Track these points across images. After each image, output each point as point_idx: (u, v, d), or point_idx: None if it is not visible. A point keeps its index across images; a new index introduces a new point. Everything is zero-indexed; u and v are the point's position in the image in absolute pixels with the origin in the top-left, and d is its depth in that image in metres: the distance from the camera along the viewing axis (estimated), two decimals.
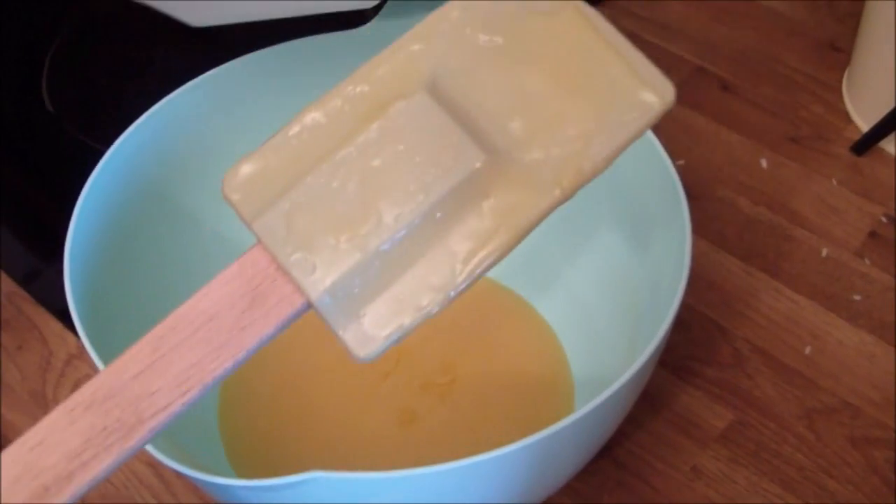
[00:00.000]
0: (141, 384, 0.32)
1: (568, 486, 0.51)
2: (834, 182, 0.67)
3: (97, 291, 0.47)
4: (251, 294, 0.33)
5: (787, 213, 0.66)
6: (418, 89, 0.34)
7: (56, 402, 0.57)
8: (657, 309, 0.45)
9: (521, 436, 0.38)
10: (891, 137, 0.68)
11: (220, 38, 0.50)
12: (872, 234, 0.64)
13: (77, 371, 0.59)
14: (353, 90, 0.34)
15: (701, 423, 0.55)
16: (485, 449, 0.38)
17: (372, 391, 0.55)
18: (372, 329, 0.33)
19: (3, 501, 0.30)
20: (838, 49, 0.77)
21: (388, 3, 0.56)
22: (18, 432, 0.55)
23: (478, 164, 0.33)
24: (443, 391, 0.55)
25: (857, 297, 0.61)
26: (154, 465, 0.54)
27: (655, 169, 0.49)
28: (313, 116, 0.34)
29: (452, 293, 0.33)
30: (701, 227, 0.64)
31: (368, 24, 0.56)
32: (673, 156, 0.49)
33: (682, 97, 0.77)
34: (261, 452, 0.53)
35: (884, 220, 0.65)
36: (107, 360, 0.41)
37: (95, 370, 0.42)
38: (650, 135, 0.49)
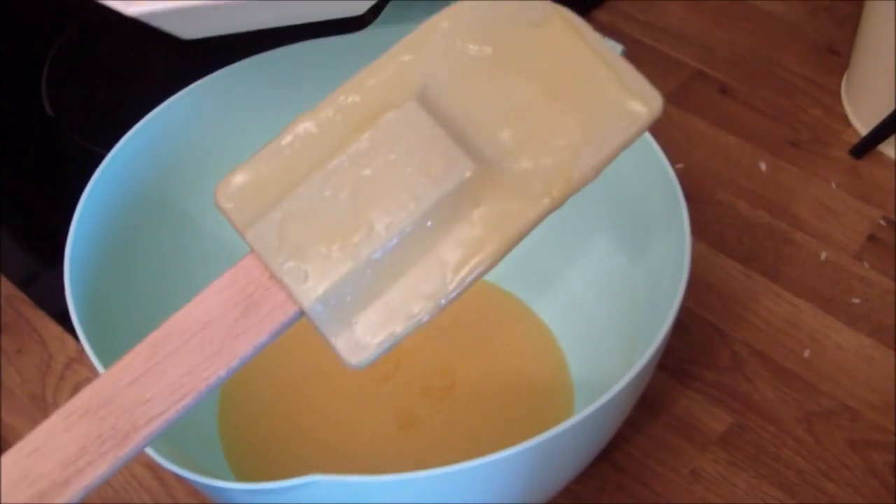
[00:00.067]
0: (136, 392, 0.32)
1: (567, 489, 0.51)
2: (833, 185, 0.68)
3: (97, 295, 0.47)
4: (244, 302, 0.33)
5: (786, 217, 0.66)
6: (409, 99, 0.34)
7: (56, 405, 0.57)
8: (656, 312, 0.45)
9: (521, 439, 0.38)
10: (890, 141, 0.68)
11: (219, 42, 0.50)
12: (871, 238, 0.64)
13: (77, 374, 0.59)
14: (344, 100, 0.35)
15: (700, 426, 0.55)
16: (484, 452, 0.38)
17: (371, 394, 0.55)
18: (364, 337, 0.33)
19: None
20: (837, 52, 0.77)
21: (388, 7, 0.56)
22: (18, 435, 0.55)
23: (468, 174, 0.34)
24: (442, 394, 0.55)
25: (856, 301, 0.61)
26: (153, 467, 0.54)
27: (655, 172, 0.49)
28: (305, 126, 0.35)
29: (443, 301, 0.34)
30: (700, 230, 0.64)
31: (368, 28, 0.56)
32: (672, 159, 0.49)
33: (681, 101, 0.78)
34: (260, 455, 0.53)
35: (883, 223, 0.65)
36: (106, 363, 0.41)
37: (95, 373, 0.42)
38: (649, 138, 0.49)
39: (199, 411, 0.53)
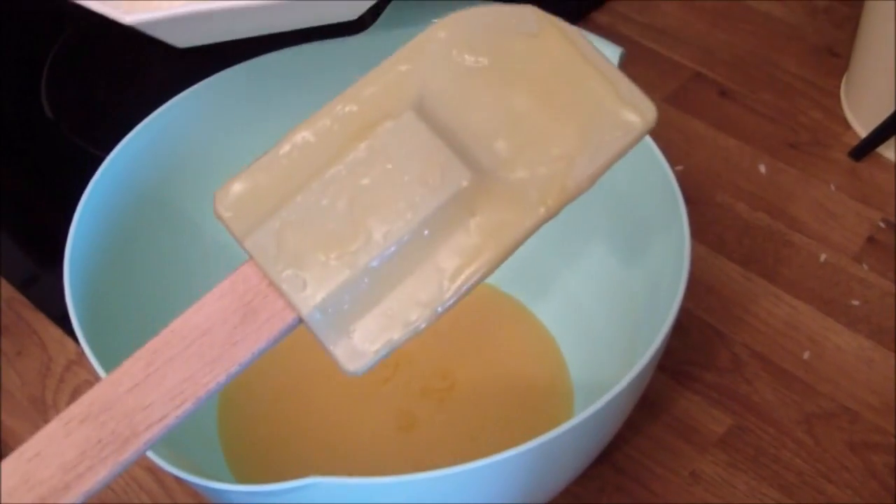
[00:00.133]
0: (135, 397, 0.32)
1: (567, 491, 0.51)
2: (832, 187, 0.68)
3: (97, 297, 0.47)
4: (243, 310, 0.33)
5: (785, 219, 0.66)
6: (406, 109, 0.35)
7: (55, 407, 0.57)
8: (656, 313, 0.45)
9: (521, 441, 0.38)
10: (889, 143, 0.68)
11: (219, 44, 0.50)
12: (871, 240, 0.64)
13: (76, 377, 0.59)
14: (341, 110, 0.35)
15: (700, 427, 0.55)
16: (484, 454, 0.38)
17: (371, 396, 0.55)
18: (361, 344, 0.33)
19: None
20: (836, 54, 0.77)
21: (388, 8, 0.56)
22: (18, 438, 0.55)
23: (464, 183, 0.34)
24: (442, 396, 0.55)
25: (855, 303, 0.61)
26: (154, 470, 0.54)
27: (654, 174, 0.49)
28: (303, 136, 0.35)
29: (440, 309, 0.34)
30: (700, 232, 0.64)
31: (368, 30, 0.56)
32: (672, 161, 0.49)
33: (680, 102, 0.78)
34: (260, 457, 0.53)
35: (882, 225, 0.65)
36: (106, 365, 0.41)
37: (95, 376, 0.42)
38: (649, 140, 0.49)
39: (198, 413, 0.53)
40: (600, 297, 0.55)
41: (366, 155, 0.34)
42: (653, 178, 0.49)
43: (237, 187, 0.34)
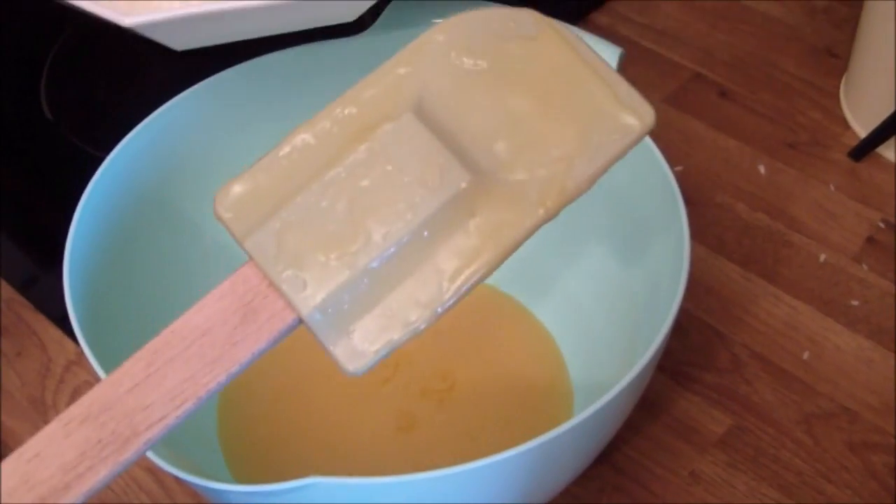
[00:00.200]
0: (135, 398, 0.32)
1: (567, 491, 0.51)
2: (832, 188, 0.68)
3: (96, 298, 0.47)
4: (243, 310, 0.33)
5: (785, 219, 0.66)
6: (405, 111, 0.35)
7: (55, 408, 0.57)
8: (656, 314, 0.45)
9: (520, 441, 0.38)
10: (889, 143, 0.68)
11: (218, 45, 0.50)
12: (870, 240, 0.64)
13: (76, 377, 0.59)
14: (341, 112, 0.35)
15: (700, 428, 0.55)
16: (484, 454, 0.38)
17: (371, 396, 0.55)
18: (361, 344, 0.34)
19: None
20: (836, 55, 0.77)
21: (388, 9, 0.56)
22: (18, 438, 0.55)
23: (464, 184, 0.34)
24: (442, 397, 0.55)
25: (855, 303, 0.61)
26: (153, 470, 0.54)
27: (654, 175, 0.49)
28: (303, 138, 0.35)
29: (440, 309, 0.34)
30: (699, 232, 0.64)
31: (368, 30, 0.56)
32: (671, 162, 0.49)
33: (680, 103, 0.78)
34: (259, 457, 0.53)
35: (881, 225, 0.65)
36: (106, 366, 0.41)
37: (95, 376, 0.42)
38: (648, 141, 0.49)
39: (198, 414, 0.53)
40: (600, 298, 0.55)
41: (365, 156, 0.34)
42: (652, 179, 0.49)
43: (237, 188, 0.35)
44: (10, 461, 0.31)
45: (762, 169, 0.69)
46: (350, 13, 0.50)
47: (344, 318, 0.34)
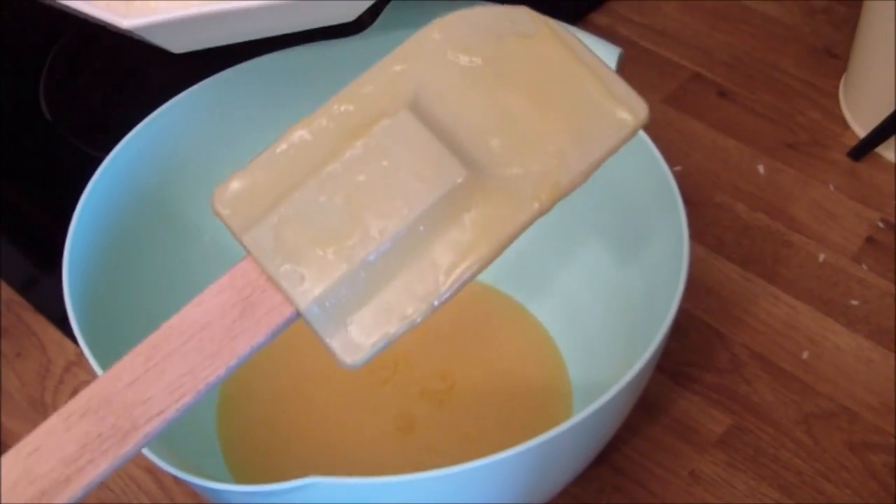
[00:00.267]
0: (135, 392, 0.33)
1: (566, 492, 0.51)
2: (831, 188, 0.68)
3: (96, 299, 0.47)
4: (242, 304, 0.34)
5: (784, 219, 0.66)
6: (401, 108, 0.35)
7: (55, 409, 0.57)
8: (655, 314, 0.45)
9: (520, 441, 0.38)
10: (888, 143, 0.68)
11: (217, 46, 0.51)
12: (870, 240, 0.64)
13: (76, 378, 0.59)
14: (338, 109, 0.36)
15: (699, 428, 0.55)
16: (483, 454, 0.38)
17: (370, 397, 0.55)
18: (358, 337, 0.34)
19: None
20: (835, 55, 0.77)
21: (387, 10, 0.57)
22: (18, 439, 0.55)
23: (459, 179, 0.34)
24: (441, 397, 0.55)
25: (854, 303, 0.61)
26: (153, 470, 0.54)
27: (653, 175, 0.49)
28: (300, 134, 0.35)
29: (436, 302, 0.34)
30: (698, 232, 0.64)
31: (367, 30, 0.56)
32: (670, 162, 0.49)
33: (679, 103, 0.78)
34: (259, 458, 0.53)
35: (881, 225, 0.65)
36: (105, 366, 0.41)
37: (94, 377, 0.41)
38: (647, 141, 0.49)
39: (197, 414, 0.53)
40: (599, 298, 0.55)
41: (362, 152, 0.35)
42: (652, 179, 0.49)
43: (235, 185, 0.35)
44: (11, 456, 0.32)
45: (761, 169, 0.69)
46: (349, 13, 0.50)
47: (341, 311, 0.34)
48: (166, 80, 0.56)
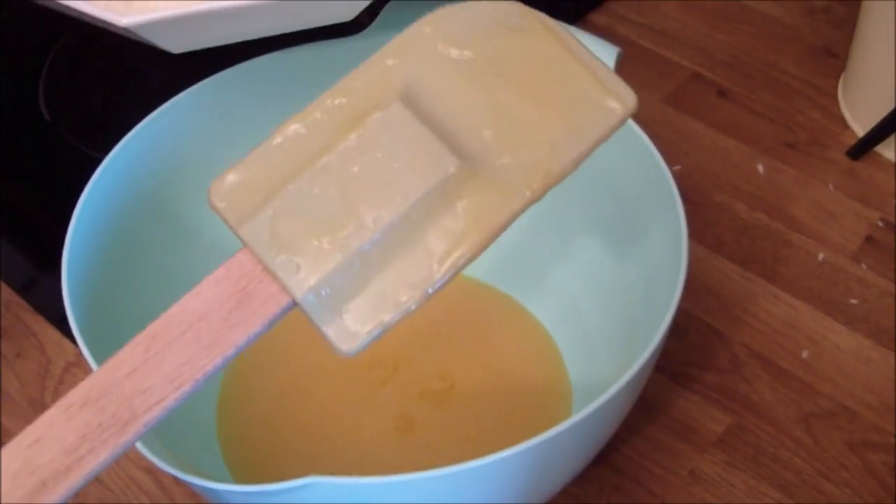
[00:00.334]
0: (134, 382, 0.33)
1: (566, 491, 0.51)
2: (830, 187, 0.68)
3: (95, 299, 0.47)
4: (239, 294, 0.34)
5: (784, 218, 0.66)
6: (394, 101, 0.36)
7: None
8: (654, 314, 0.45)
9: (519, 440, 0.38)
10: (887, 142, 0.68)
11: (216, 46, 0.51)
12: (869, 239, 0.64)
13: (75, 378, 0.59)
14: (331, 103, 0.36)
15: (699, 427, 0.55)
16: (483, 454, 0.38)
17: (370, 398, 0.55)
18: (354, 325, 0.34)
19: (2, 497, 0.31)
20: (835, 55, 0.77)
21: (385, 10, 0.56)
22: None
23: (452, 169, 0.35)
24: (441, 397, 0.55)
25: (854, 302, 0.61)
26: (152, 470, 0.54)
27: (652, 174, 0.49)
28: (295, 128, 0.36)
29: (430, 290, 0.35)
30: (698, 232, 0.64)
31: (365, 31, 0.56)
32: (670, 161, 0.49)
33: (678, 103, 0.78)
34: (258, 458, 0.53)
35: (880, 224, 0.65)
36: None
37: None
38: (647, 140, 0.49)
39: (197, 414, 0.53)
40: (598, 298, 0.55)
41: (356, 144, 0.35)
42: (651, 179, 0.49)
43: (231, 178, 0.35)
44: (11, 447, 0.32)
45: (761, 168, 0.69)
46: (347, 13, 0.50)
47: (337, 300, 0.34)
48: (166, 80, 0.56)
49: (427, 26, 0.37)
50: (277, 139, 0.36)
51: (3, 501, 0.31)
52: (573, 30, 0.40)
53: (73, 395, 0.33)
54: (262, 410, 0.55)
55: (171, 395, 0.33)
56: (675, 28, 0.80)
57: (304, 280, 0.34)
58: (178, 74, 0.54)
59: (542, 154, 0.36)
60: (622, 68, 0.53)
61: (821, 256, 0.63)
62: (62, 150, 0.69)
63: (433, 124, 0.36)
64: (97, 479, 0.54)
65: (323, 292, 0.34)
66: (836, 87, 0.74)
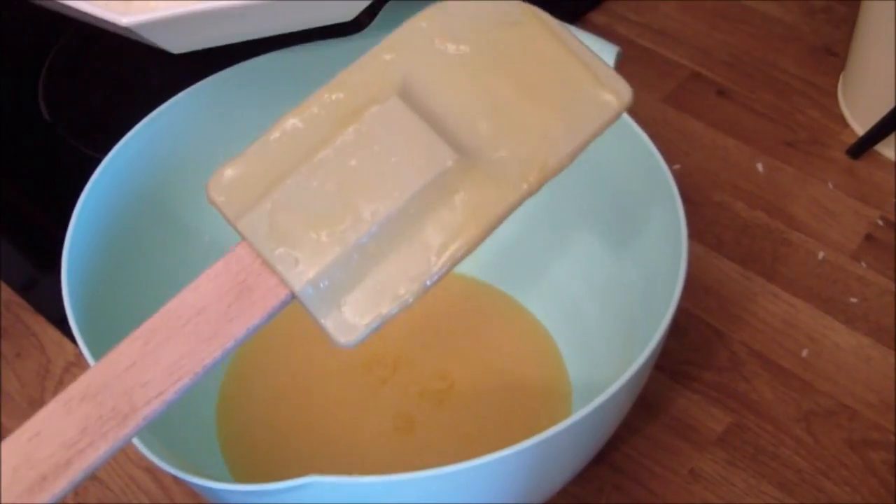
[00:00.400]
0: (133, 375, 0.33)
1: (565, 491, 0.51)
2: (830, 186, 0.68)
3: (95, 299, 0.47)
4: (237, 288, 0.34)
5: (783, 217, 0.66)
6: (391, 95, 0.36)
7: None
8: (654, 313, 0.45)
9: (519, 440, 0.38)
10: (887, 141, 0.68)
11: (216, 46, 0.51)
12: (869, 238, 0.64)
13: (75, 378, 0.58)
14: (329, 97, 0.37)
15: (699, 426, 0.55)
16: (483, 453, 0.38)
17: (370, 397, 0.55)
18: (352, 317, 0.35)
19: (3, 491, 0.31)
20: (834, 53, 0.77)
21: (384, 10, 0.56)
22: None
23: (449, 163, 0.35)
24: (441, 397, 0.55)
25: (853, 300, 0.61)
26: (152, 470, 0.54)
27: (652, 173, 0.49)
28: (292, 122, 0.36)
29: (428, 282, 0.35)
30: (698, 231, 0.64)
31: (365, 31, 0.56)
32: (669, 160, 0.49)
33: (678, 102, 0.78)
34: (258, 458, 0.53)
35: (880, 223, 0.65)
36: None
37: None
38: (646, 139, 0.49)
39: (197, 414, 0.53)
40: (599, 298, 0.55)
41: (353, 138, 0.35)
42: (651, 178, 0.49)
43: (229, 172, 0.36)
44: (11, 441, 0.32)
45: (760, 167, 0.69)
46: (347, 13, 0.51)
47: (335, 292, 0.34)
48: (166, 80, 0.56)
49: (424, 21, 0.38)
50: (275, 134, 0.36)
51: (3, 495, 0.31)
52: (573, 29, 0.40)
53: (73, 389, 0.33)
54: (262, 410, 0.55)
55: (171, 388, 0.33)
56: (675, 27, 0.80)
57: (303, 273, 0.34)
58: (177, 74, 0.54)
59: (538, 147, 0.36)
60: (622, 68, 0.53)
61: (820, 255, 0.63)
62: (62, 150, 0.69)
63: (430, 118, 0.36)
64: (97, 479, 0.54)
65: (321, 285, 0.34)
66: (835, 86, 0.74)
